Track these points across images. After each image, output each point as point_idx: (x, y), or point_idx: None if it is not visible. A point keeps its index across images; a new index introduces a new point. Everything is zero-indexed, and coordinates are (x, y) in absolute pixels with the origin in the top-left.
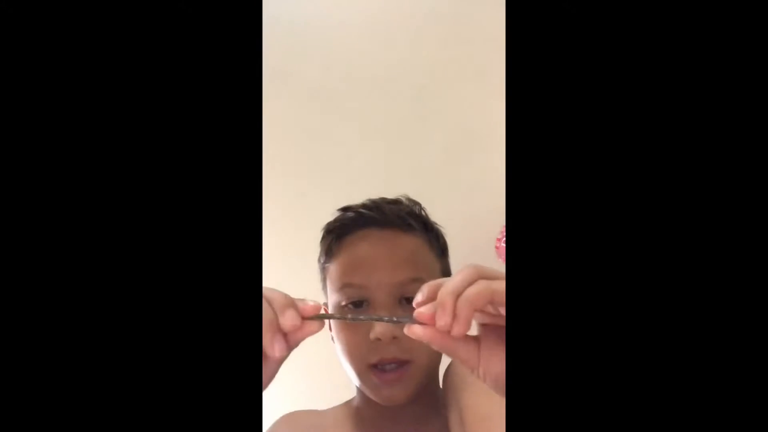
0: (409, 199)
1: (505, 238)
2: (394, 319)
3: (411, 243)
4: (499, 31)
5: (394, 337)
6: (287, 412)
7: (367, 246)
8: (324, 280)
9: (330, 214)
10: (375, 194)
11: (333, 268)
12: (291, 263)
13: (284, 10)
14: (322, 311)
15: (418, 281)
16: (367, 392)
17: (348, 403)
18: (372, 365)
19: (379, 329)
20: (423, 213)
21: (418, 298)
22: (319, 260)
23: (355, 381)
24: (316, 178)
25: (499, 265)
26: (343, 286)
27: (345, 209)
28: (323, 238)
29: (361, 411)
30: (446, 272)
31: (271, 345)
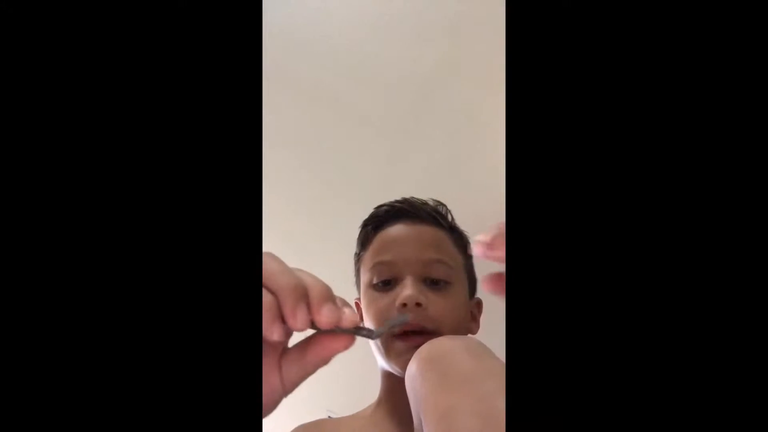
0: (435, 201)
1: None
2: (392, 324)
3: (437, 233)
4: (499, 31)
5: (418, 304)
6: (298, 424)
7: (398, 231)
8: (358, 271)
9: (330, 214)
10: (375, 194)
11: (367, 255)
12: (291, 263)
13: (284, 10)
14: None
15: (442, 263)
16: (393, 365)
17: (368, 408)
18: (397, 334)
19: (404, 294)
20: (449, 215)
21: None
22: (355, 255)
23: (380, 354)
24: (316, 177)
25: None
26: (375, 265)
27: (379, 206)
28: (360, 231)
29: (383, 412)
30: (469, 269)
31: (270, 328)
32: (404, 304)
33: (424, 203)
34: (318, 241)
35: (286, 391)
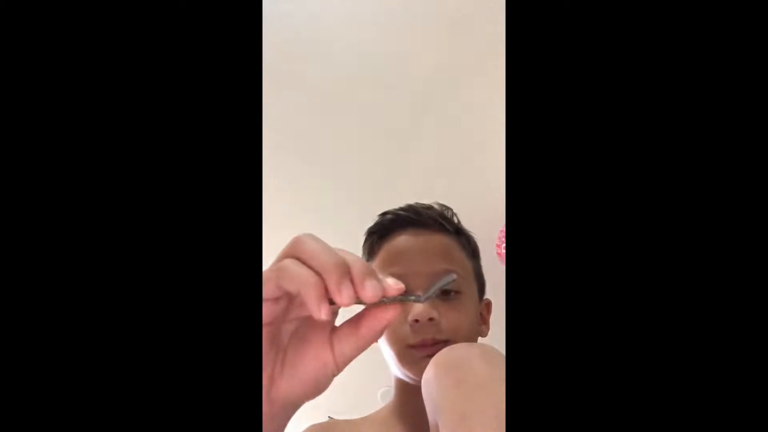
0: (440, 205)
1: (505, 244)
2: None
3: (444, 241)
4: (499, 31)
5: (430, 319)
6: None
7: (405, 242)
8: None
9: (330, 214)
10: (375, 194)
11: (373, 266)
12: None
13: (284, 9)
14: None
15: (451, 272)
16: (407, 373)
17: (381, 411)
18: (411, 346)
19: (416, 310)
20: (455, 218)
21: None
22: None
23: (395, 363)
24: (316, 177)
25: (501, 269)
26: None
27: (384, 213)
28: (365, 240)
29: (397, 418)
30: (478, 272)
31: (318, 307)
32: (416, 320)
33: (429, 208)
34: None
35: (339, 367)
